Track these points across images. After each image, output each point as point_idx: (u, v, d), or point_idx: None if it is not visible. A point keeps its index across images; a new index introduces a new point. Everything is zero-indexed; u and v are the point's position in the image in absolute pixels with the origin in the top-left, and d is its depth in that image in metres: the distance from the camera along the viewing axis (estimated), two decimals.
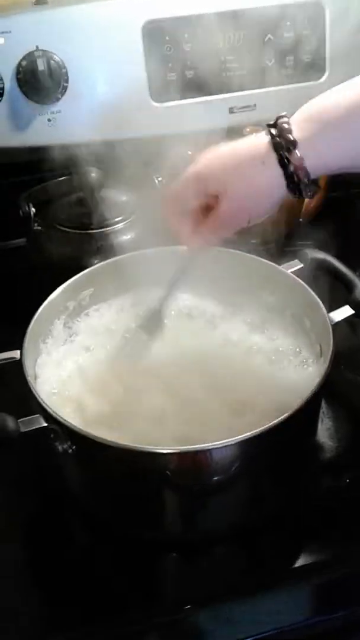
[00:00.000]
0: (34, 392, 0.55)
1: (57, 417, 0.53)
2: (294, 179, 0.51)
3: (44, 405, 0.54)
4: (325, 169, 0.53)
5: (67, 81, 0.78)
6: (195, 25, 0.81)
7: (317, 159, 0.51)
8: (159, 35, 0.81)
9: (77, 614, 0.55)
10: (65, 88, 0.79)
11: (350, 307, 0.64)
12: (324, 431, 0.68)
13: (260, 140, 0.53)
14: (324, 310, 0.63)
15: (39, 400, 0.55)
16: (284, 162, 0.51)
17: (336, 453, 0.67)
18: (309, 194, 0.52)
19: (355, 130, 0.50)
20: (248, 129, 0.86)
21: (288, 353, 0.66)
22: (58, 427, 0.54)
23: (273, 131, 0.52)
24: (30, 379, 0.57)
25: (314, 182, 0.52)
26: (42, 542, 0.61)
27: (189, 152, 0.87)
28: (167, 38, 0.81)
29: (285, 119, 0.52)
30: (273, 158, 0.51)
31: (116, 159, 0.79)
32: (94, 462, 0.56)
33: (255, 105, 0.87)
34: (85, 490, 0.61)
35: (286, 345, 0.67)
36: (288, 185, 0.52)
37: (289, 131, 0.51)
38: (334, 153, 0.51)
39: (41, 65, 0.76)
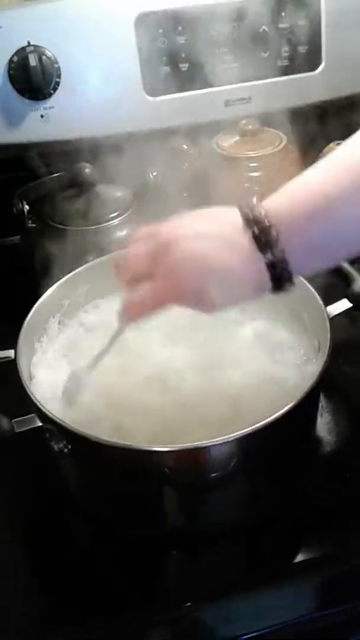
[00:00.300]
0: (28, 391, 0.55)
1: (52, 416, 0.53)
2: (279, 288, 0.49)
3: (38, 404, 0.54)
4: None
5: (59, 77, 0.78)
6: (189, 18, 0.81)
7: (304, 269, 0.49)
8: (152, 28, 0.80)
9: (76, 613, 0.55)
10: (57, 84, 0.78)
11: (349, 300, 0.63)
12: (323, 425, 0.67)
13: (243, 249, 0.47)
14: (322, 304, 0.62)
15: (34, 399, 0.54)
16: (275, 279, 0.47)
17: (336, 447, 0.66)
18: (288, 286, 0.49)
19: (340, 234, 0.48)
20: (243, 122, 0.86)
21: (286, 347, 0.65)
22: (53, 427, 0.53)
23: (267, 255, 0.46)
24: (24, 378, 0.56)
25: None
26: (41, 541, 0.60)
27: (185, 147, 0.87)
28: (160, 31, 0.81)
29: (272, 230, 0.46)
30: (266, 278, 0.47)
31: (110, 154, 0.79)
32: (90, 461, 0.56)
33: (250, 97, 0.86)
34: (83, 489, 0.61)
35: (284, 340, 0.66)
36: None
37: (283, 254, 0.46)
38: (321, 263, 0.50)
39: (33, 61, 0.76)
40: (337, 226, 0.47)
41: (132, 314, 0.52)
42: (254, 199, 0.48)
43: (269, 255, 0.46)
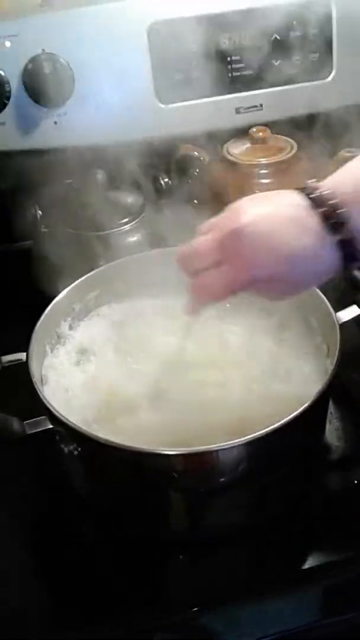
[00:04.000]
0: (39, 393, 0.55)
1: (63, 418, 0.53)
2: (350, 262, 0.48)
3: (49, 406, 0.54)
4: None
5: (73, 84, 0.78)
6: (201, 26, 0.81)
7: None
8: (164, 37, 0.81)
9: (81, 618, 0.55)
10: (71, 91, 0.79)
11: (358, 306, 0.63)
12: (332, 432, 0.67)
13: (312, 229, 0.47)
14: (331, 310, 0.62)
15: (45, 401, 0.55)
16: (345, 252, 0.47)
17: (344, 454, 0.66)
18: (355, 266, 0.49)
19: None
20: (254, 129, 0.86)
21: (295, 353, 0.66)
22: (63, 429, 0.54)
23: (337, 234, 0.47)
24: (36, 380, 0.57)
25: None
26: (48, 543, 0.61)
27: (196, 154, 0.87)
28: (172, 39, 0.81)
29: (342, 209, 0.47)
30: (336, 258, 0.47)
31: (122, 160, 0.79)
32: (100, 463, 0.56)
33: (261, 105, 0.87)
34: (92, 491, 0.61)
35: (293, 346, 0.66)
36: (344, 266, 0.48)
37: (353, 233, 0.46)
38: None
39: (47, 68, 0.77)
40: None
41: (201, 298, 0.53)
42: (314, 181, 0.48)
43: (340, 235, 0.46)
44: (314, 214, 0.47)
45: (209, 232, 0.51)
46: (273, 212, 0.49)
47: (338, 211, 0.46)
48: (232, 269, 0.49)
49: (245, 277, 0.49)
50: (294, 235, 0.47)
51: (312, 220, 0.47)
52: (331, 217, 0.46)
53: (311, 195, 0.48)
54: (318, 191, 0.47)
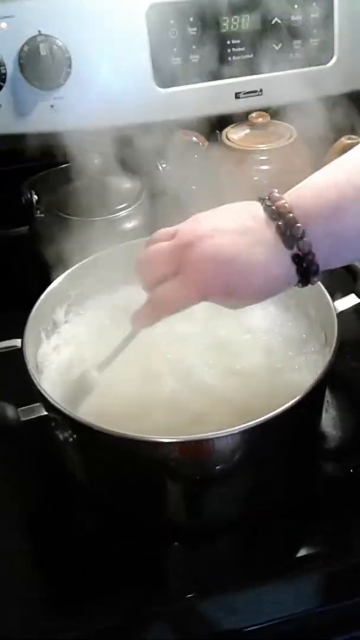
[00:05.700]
0: (34, 380, 0.55)
1: (57, 405, 0.53)
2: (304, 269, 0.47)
3: (44, 393, 0.54)
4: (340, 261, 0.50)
5: (70, 66, 0.78)
6: (200, 9, 0.80)
7: (332, 261, 0.48)
8: (163, 20, 0.80)
9: (77, 604, 0.55)
10: (68, 73, 0.78)
11: (356, 295, 0.63)
12: (329, 420, 0.67)
13: (267, 242, 0.46)
14: (329, 298, 0.62)
15: (39, 388, 0.54)
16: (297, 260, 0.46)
17: (341, 442, 0.66)
18: (315, 280, 0.47)
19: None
20: (254, 115, 0.85)
21: (292, 342, 0.65)
22: (58, 416, 0.54)
23: (293, 249, 0.46)
24: (30, 367, 0.56)
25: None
26: (44, 532, 0.61)
27: (194, 139, 0.86)
28: (171, 22, 0.80)
29: (298, 223, 0.46)
30: (292, 272, 0.46)
31: (120, 145, 0.79)
32: (95, 451, 0.56)
33: (261, 90, 0.86)
34: (88, 479, 0.61)
35: (290, 335, 0.66)
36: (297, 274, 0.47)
37: (309, 248, 0.46)
38: (350, 255, 0.48)
39: (44, 50, 0.75)
40: None
41: (156, 312, 0.51)
42: (276, 192, 0.47)
43: (295, 249, 0.46)
44: (271, 227, 0.46)
45: (167, 239, 0.50)
46: (229, 224, 0.48)
47: (293, 225, 0.45)
48: (184, 284, 0.48)
49: (198, 287, 0.48)
50: (247, 248, 0.46)
51: (268, 233, 0.46)
52: (286, 230, 0.46)
53: (268, 208, 0.47)
54: (275, 203, 0.47)
